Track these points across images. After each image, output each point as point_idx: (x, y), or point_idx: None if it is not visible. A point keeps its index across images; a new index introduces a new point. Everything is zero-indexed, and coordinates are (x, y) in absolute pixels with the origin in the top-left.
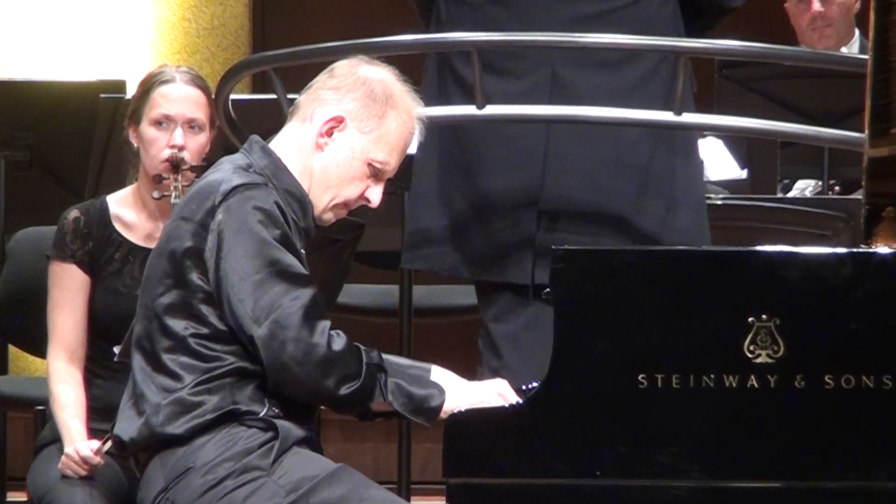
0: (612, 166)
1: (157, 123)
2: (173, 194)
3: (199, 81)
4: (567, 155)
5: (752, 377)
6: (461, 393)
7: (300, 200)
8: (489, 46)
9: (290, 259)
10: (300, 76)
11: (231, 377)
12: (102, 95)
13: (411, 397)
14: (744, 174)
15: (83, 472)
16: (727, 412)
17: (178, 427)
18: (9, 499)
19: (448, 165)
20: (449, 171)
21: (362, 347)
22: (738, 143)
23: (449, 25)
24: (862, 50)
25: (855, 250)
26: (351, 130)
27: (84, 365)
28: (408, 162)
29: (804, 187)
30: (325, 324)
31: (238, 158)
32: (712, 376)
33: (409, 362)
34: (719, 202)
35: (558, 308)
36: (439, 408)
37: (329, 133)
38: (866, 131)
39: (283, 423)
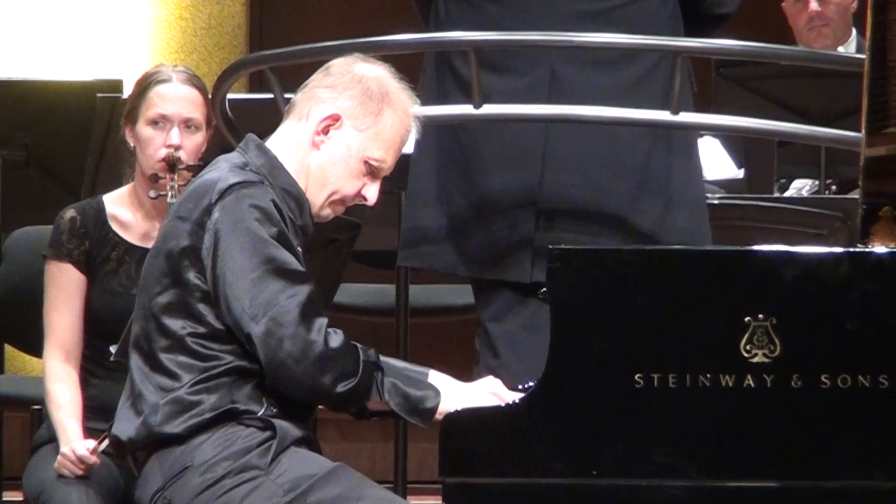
0: (611, 165)
1: (154, 123)
2: (169, 194)
3: (195, 81)
4: (566, 154)
5: (749, 377)
6: (457, 395)
7: (297, 198)
8: (486, 46)
9: (286, 256)
10: (297, 76)
11: (229, 376)
12: (99, 95)
13: (407, 397)
14: (740, 173)
15: (79, 472)
16: (724, 412)
17: (177, 426)
18: (5, 498)
19: (446, 163)
20: (447, 169)
21: (359, 346)
22: (735, 142)
23: (448, 23)
24: (859, 49)
25: (852, 250)
26: (347, 128)
27: (80, 364)
28: (404, 161)
29: (801, 187)
30: (323, 321)
31: (234, 157)
32: (709, 376)
33: (406, 365)
34: (716, 201)
35: (554, 307)
36: (435, 409)
37: (325, 131)
38: (863, 130)
39: (281, 423)
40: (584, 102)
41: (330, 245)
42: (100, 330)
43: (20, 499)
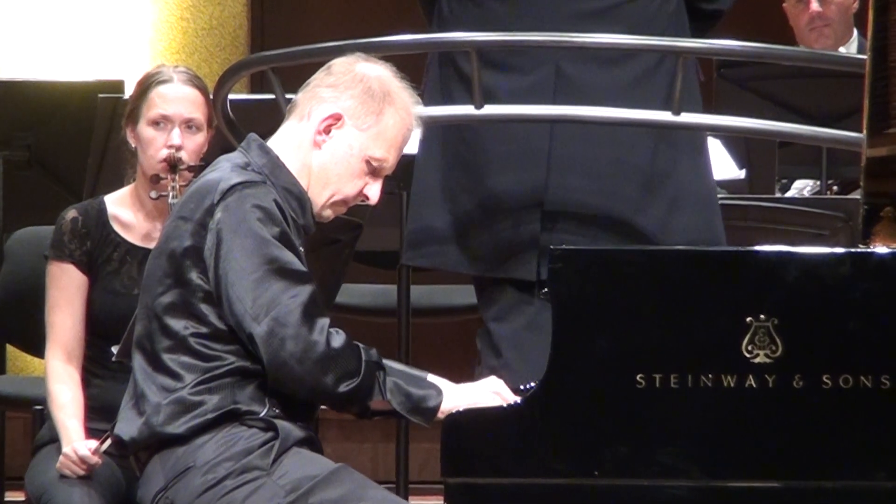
0: (616, 166)
1: (155, 123)
2: (171, 194)
3: (196, 81)
4: (571, 155)
5: (751, 377)
6: (459, 395)
7: (299, 198)
8: (488, 46)
9: (288, 257)
10: (299, 76)
11: (231, 377)
12: (101, 95)
13: (409, 396)
14: (742, 174)
15: (81, 472)
16: (725, 412)
17: (179, 427)
18: (7, 498)
19: (452, 163)
20: (453, 169)
21: (361, 346)
22: (737, 142)
23: (451, 22)
24: (860, 50)
25: (853, 250)
26: (349, 128)
27: (82, 365)
28: (406, 161)
29: (802, 187)
30: (325, 321)
31: (236, 157)
32: (710, 376)
33: (406, 367)
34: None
35: (556, 308)
36: (437, 408)
37: (327, 130)
38: (864, 131)
39: (283, 424)
40: (590, 99)
41: (332, 245)
42: (101, 330)
43: (22, 499)
